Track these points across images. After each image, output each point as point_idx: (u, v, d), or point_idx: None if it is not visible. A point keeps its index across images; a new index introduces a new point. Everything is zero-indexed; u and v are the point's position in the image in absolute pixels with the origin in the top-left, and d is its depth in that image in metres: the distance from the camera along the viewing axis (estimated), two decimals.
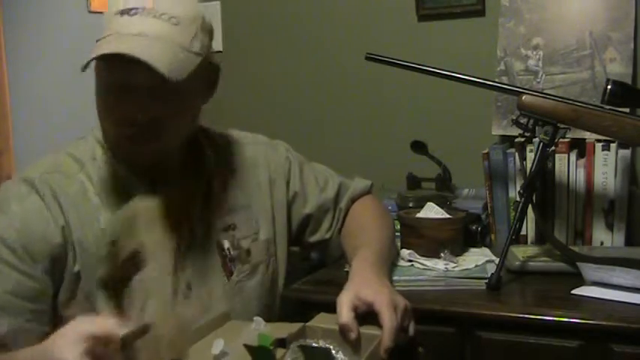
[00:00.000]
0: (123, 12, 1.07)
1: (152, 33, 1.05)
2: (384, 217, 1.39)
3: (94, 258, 1.11)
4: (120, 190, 1.14)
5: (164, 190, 1.14)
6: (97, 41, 1.07)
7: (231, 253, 1.23)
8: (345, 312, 1.00)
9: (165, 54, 1.03)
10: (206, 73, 1.16)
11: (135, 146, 1.10)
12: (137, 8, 1.07)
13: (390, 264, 1.28)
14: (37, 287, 1.07)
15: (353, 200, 1.41)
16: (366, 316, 1.01)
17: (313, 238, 1.38)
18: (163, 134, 1.10)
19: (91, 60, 1.02)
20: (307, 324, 1.02)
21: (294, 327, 1.00)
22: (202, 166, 1.22)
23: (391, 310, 0.99)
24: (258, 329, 1.00)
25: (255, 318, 1.02)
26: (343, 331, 0.99)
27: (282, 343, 0.95)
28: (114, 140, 1.13)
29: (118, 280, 1.09)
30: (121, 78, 1.06)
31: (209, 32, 1.14)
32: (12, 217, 1.08)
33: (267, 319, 1.23)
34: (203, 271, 1.20)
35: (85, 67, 1.03)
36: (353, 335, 0.98)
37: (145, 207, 1.11)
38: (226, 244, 1.23)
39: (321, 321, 1.04)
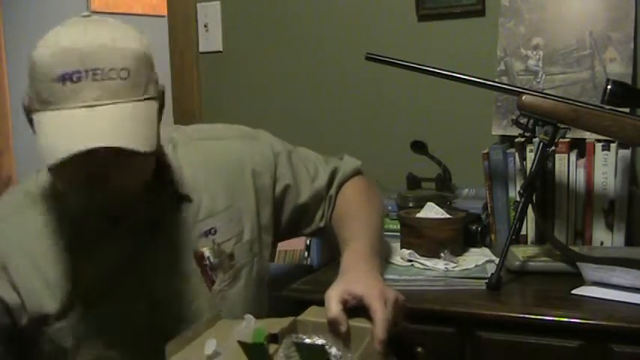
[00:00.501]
0: (64, 78, 0.92)
1: (107, 100, 0.93)
2: (373, 199, 1.37)
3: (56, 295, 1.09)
4: (75, 231, 1.10)
5: (124, 225, 1.12)
6: (37, 120, 0.94)
7: (212, 261, 1.19)
8: (333, 306, 0.99)
9: (135, 130, 0.93)
10: (161, 105, 1.07)
11: (95, 203, 1.04)
12: (78, 72, 0.92)
13: (381, 252, 1.24)
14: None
15: (343, 184, 1.38)
16: (357, 310, 1.00)
17: (308, 230, 1.37)
18: (128, 186, 1.03)
19: (60, 160, 0.89)
20: (298, 318, 1.02)
21: (285, 321, 1.00)
22: (165, 186, 1.17)
23: (381, 303, 0.98)
24: (250, 326, 1.00)
25: (245, 316, 1.01)
26: (332, 325, 0.98)
27: (274, 338, 0.95)
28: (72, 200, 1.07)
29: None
30: (89, 166, 0.95)
31: (150, 59, 1.02)
32: None
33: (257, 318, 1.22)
34: (181, 289, 1.17)
35: (53, 168, 0.92)
36: (342, 329, 0.97)
37: (106, 252, 1.10)
38: (207, 253, 1.18)
39: (311, 314, 1.03)
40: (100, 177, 0.97)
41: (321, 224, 1.36)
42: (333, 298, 1.00)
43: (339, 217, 1.34)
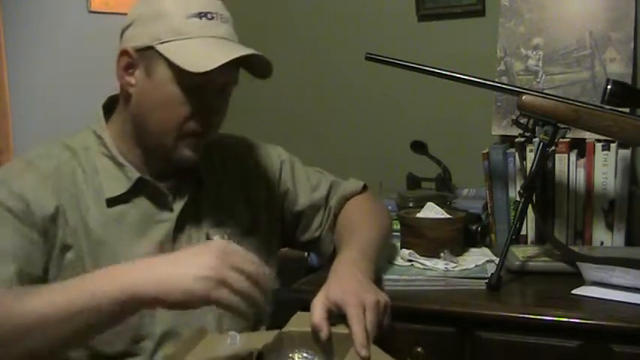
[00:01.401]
0: (200, 15, 1.10)
1: (233, 39, 1.14)
2: (376, 215, 1.38)
3: (85, 247, 1.12)
4: (110, 183, 1.15)
5: (154, 187, 1.17)
6: (170, 41, 1.09)
7: None
8: (316, 313, 1.00)
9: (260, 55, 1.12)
10: None
11: (194, 150, 1.15)
12: (212, 12, 1.12)
13: (376, 259, 1.24)
14: (34, 250, 1.07)
15: (345, 198, 1.40)
16: (343, 316, 1.01)
17: (304, 237, 1.39)
18: (219, 124, 1.19)
19: (222, 63, 1.06)
20: (283, 330, 1.02)
21: (270, 335, 1.00)
22: (196, 168, 1.22)
23: (357, 309, 0.99)
24: (234, 343, 1.00)
25: (230, 333, 1.02)
26: (315, 331, 0.99)
27: (260, 357, 0.95)
28: (176, 150, 1.14)
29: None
30: (222, 78, 1.12)
31: None
32: (11, 188, 1.08)
33: (257, 317, 1.23)
34: None
35: (205, 72, 1.06)
36: (323, 335, 0.98)
37: (134, 204, 1.15)
38: (216, 239, 1.21)
39: (296, 324, 1.03)
40: (222, 107, 1.16)
41: (317, 234, 1.39)
42: (317, 306, 1.02)
43: (338, 231, 1.36)
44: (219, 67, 1.05)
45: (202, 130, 1.13)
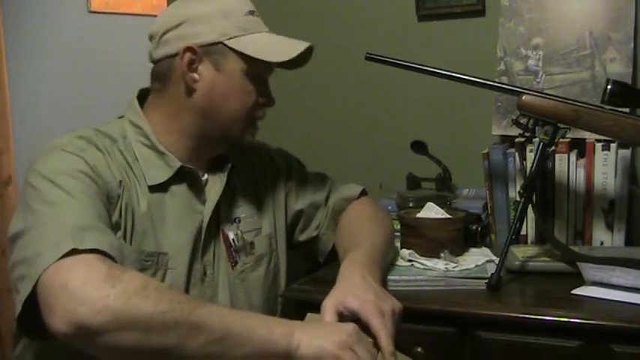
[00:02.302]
0: (251, 12, 1.24)
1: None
2: (379, 219, 1.40)
3: (131, 227, 1.15)
4: (151, 171, 1.18)
5: (194, 176, 1.23)
6: (239, 36, 1.19)
7: (236, 243, 1.27)
8: (328, 317, 1.02)
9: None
10: None
11: (253, 135, 1.25)
12: (255, 11, 1.25)
13: (383, 265, 1.28)
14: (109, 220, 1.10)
15: (345, 201, 1.42)
16: (354, 321, 1.03)
17: (302, 237, 1.42)
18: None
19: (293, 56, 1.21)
20: None
21: None
22: (226, 161, 1.28)
23: (380, 319, 1.02)
24: None
25: None
26: None
27: None
28: (242, 134, 1.23)
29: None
30: (272, 69, 1.25)
31: None
32: (82, 158, 1.10)
33: (269, 314, 1.26)
34: (215, 257, 1.25)
35: (280, 64, 1.22)
36: None
37: (173, 193, 1.20)
38: (231, 235, 1.27)
39: None
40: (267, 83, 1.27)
41: (314, 233, 1.42)
42: (329, 310, 1.03)
43: (342, 233, 1.37)
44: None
45: (262, 115, 1.26)
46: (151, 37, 1.23)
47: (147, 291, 0.91)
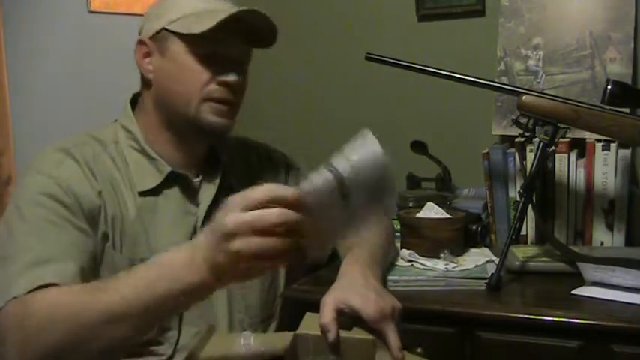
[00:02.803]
0: None
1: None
2: (379, 220, 1.39)
3: (119, 235, 1.14)
4: (141, 177, 1.18)
5: (185, 180, 1.21)
6: (180, 18, 1.15)
7: None
8: (326, 312, 1.00)
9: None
10: None
11: (220, 116, 1.17)
12: None
13: (383, 264, 1.28)
14: (89, 242, 1.09)
15: None
16: (354, 319, 1.02)
17: None
18: (237, 111, 1.21)
19: (224, 18, 1.11)
20: (297, 332, 1.02)
21: (282, 337, 1.00)
22: (218, 163, 1.26)
23: (384, 320, 1.01)
24: (248, 344, 1.00)
25: (243, 333, 1.03)
26: (323, 330, 0.99)
27: None
28: (200, 115, 1.17)
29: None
30: (234, 49, 1.17)
31: None
32: (52, 178, 1.10)
33: (266, 315, 1.25)
34: None
35: (210, 29, 1.11)
36: (331, 336, 0.98)
37: (165, 196, 1.19)
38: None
39: (309, 326, 1.03)
40: (240, 77, 1.18)
41: None
42: (328, 305, 1.02)
43: None
44: (226, 36, 1.13)
45: (221, 95, 1.17)
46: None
47: (46, 321, 0.93)
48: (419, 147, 1.78)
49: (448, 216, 1.52)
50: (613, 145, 1.52)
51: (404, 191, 1.76)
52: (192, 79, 1.16)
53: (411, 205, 1.65)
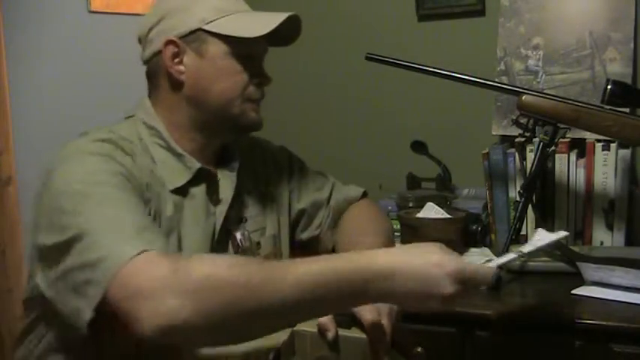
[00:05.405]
0: None
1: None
2: (380, 220, 1.40)
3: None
4: (170, 174, 1.16)
5: (212, 176, 1.22)
6: (217, 19, 1.16)
7: (243, 244, 1.25)
8: None
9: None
10: None
11: (257, 113, 1.22)
12: None
13: None
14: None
15: (346, 202, 1.42)
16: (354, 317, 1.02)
17: (304, 235, 1.40)
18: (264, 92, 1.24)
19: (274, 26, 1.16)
20: (295, 329, 1.02)
21: (282, 334, 1.00)
22: (232, 159, 1.27)
23: (374, 315, 1.01)
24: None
25: None
26: (321, 329, 0.99)
27: (277, 355, 0.96)
28: (243, 114, 1.19)
29: None
30: (262, 47, 1.22)
31: None
32: (113, 161, 1.07)
33: None
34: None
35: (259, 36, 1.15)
36: (330, 335, 0.98)
37: (191, 194, 1.18)
38: (238, 236, 1.25)
39: (307, 323, 1.03)
40: (261, 63, 1.24)
41: (316, 232, 1.40)
42: None
43: (342, 231, 1.37)
44: (261, 35, 1.15)
45: (258, 95, 1.22)
46: (139, 40, 1.22)
47: (220, 270, 0.87)
48: (419, 147, 1.78)
49: (448, 216, 1.52)
50: (613, 145, 1.52)
51: (404, 191, 1.76)
52: (233, 80, 1.18)
53: (411, 205, 1.65)
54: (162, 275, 0.87)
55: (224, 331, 0.88)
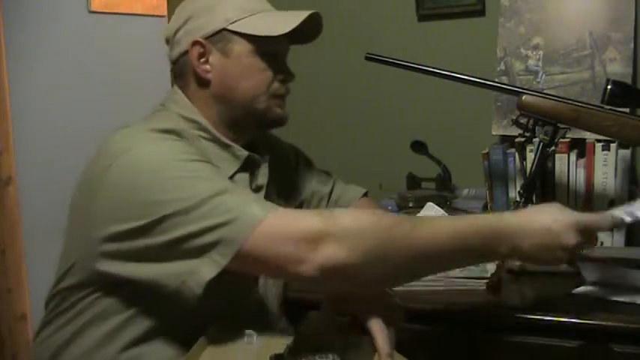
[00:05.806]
0: None
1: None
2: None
3: None
4: (221, 164, 1.17)
5: (257, 163, 1.25)
6: (241, 18, 1.19)
7: None
8: (328, 312, 1.03)
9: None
10: None
11: (283, 109, 1.27)
12: None
13: None
14: None
15: (349, 199, 1.43)
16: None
17: None
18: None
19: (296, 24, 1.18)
20: (298, 330, 1.02)
21: (288, 338, 1.00)
22: (258, 155, 1.27)
23: (379, 317, 1.01)
24: (251, 343, 1.00)
25: (246, 331, 1.02)
26: (324, 330, 1.01)
27: (280, 358, 0.96)
28: (270, 111, 1.23)
29: None
30: (285, 45, 1.25)
31: None
32: (188, 145, 1.08)
33: (279, 316, 1.26)
34: None
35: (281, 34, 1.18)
36: (332, 336, 1.00)
37: (237, 182, 1.19)
38: None
39: (310, 325, 1.04)
40: (285, 60, 1.27)
41: None
42: (330, 303, 1.04)
43: None
44: (284, 34, 1.18)
45: (283, 91, 1.26)
46: (167, 41, 1.25)
47: (364, 216, 0.99)
48: (419, 147, 1.78)
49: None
50: (613, 145, 1.52)
51: (404, 191, 1.76)
52: (258, 77, 1.21)
53: (411, 205, 1.65)
54: (314, 222, 0.94)
55: (381, 271, 0.95)
